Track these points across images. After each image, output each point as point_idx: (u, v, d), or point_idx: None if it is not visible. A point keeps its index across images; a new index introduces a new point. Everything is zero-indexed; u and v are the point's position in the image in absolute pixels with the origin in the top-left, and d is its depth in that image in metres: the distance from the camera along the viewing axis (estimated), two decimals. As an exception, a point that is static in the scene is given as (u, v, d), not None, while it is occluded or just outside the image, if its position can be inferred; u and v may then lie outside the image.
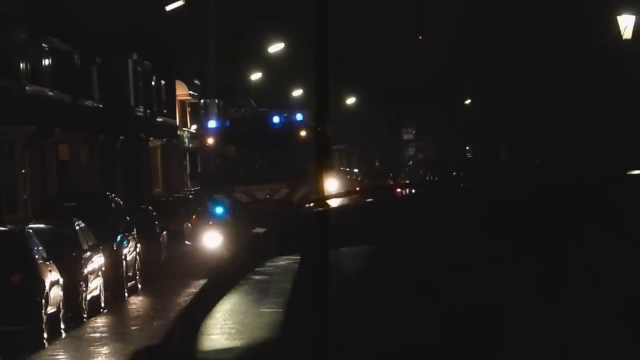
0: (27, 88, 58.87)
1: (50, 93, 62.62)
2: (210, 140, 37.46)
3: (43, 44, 62.47)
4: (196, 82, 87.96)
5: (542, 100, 68.15)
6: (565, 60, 65.52)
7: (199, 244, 39.18)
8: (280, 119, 37.70)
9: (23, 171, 58.37)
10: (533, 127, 69.41)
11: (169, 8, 67.61)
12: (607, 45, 56.44)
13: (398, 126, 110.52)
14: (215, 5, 71.79)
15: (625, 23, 52.30)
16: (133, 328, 34.59)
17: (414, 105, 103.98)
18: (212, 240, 36.90)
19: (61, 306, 34.42)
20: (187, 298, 35.47)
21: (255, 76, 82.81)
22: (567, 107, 64.44)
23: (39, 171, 60.74)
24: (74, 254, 37.96)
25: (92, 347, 31.49)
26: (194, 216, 44.19)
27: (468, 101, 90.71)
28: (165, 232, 52.05)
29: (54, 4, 60.43)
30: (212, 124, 39.23)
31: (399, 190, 75.63)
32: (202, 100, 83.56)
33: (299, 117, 38.12)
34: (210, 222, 37.37)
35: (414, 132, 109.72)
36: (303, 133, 36.92)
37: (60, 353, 31.50)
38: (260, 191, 36.92)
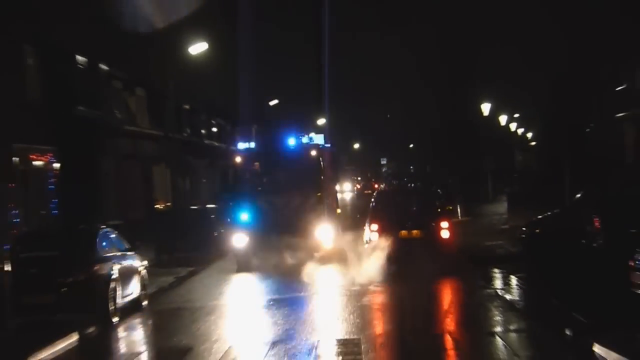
0: (205, 142, 58.31)
1: (217, 144, 61.81)
2: (239, 159, 28.82)
3: (202, 118, 61.84)
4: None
5: (444, 147, 67.34)
6: (455, 129, 64.59)
7: (229, 243, 29.30)
8: (297, 141, 28.71)
9: (204, 180, 58.05)
10: (441, 159, 68.57)
11: (271, 103, 66.13)
12: (476, 119, 55.26)
13: (379, 156, 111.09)
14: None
15: (485, 107, 51.50)
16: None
17: (387, 148, 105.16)
18: (239, 239, 27.85)
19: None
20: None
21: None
22: (456, 152, 63.62)
23: (212, 179, 60.19)
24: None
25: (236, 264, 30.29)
26: (228, 219, 32.43)
27: (411, 145, 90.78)
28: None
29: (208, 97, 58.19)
30: (240, 145, 29.22)
31: (376, 186, 73.85)
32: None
33: (312, 140, 28.90)
34: (238, 225, 28.20)
35: (386, 160, 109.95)
36: (314, 153, 28.29)
37: (222, 265, 30.17)
38: (278, 200, 27.85)
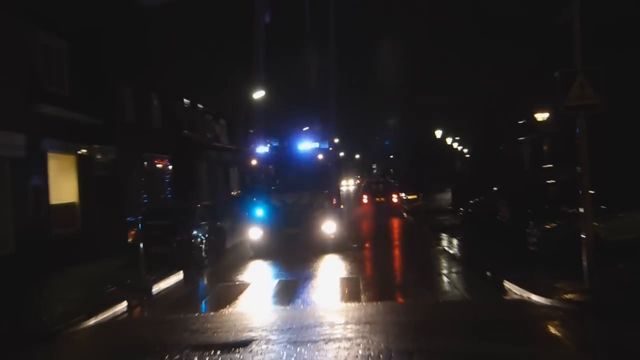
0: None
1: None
2: (254, 162, 21.65)
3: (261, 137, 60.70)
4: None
5: (412, 162, 66.35)
6: (418, 146, 63.83)
7: (246, 236, 21.79)
8: (307, 147, 21.77)
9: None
10: (415, 167, 67.50)
11: (304, 129, 63.72)
12: (430, 141, 54.80)
13: (372, 163, 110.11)
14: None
15: (438, 133, 51.15)
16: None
17: (377, 158, 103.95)
18: (255, 233, 20.85)
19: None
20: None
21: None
22: (422, 168, 62.83)
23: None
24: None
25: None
26: (246, 215, 23.22)
27: (392, 156, 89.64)
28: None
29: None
30: (257, 149, 21.84)
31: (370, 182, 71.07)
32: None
33: (320, 146, 21.97)
34: (254, 220, 20.98)
35: (376, 165, 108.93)
36: (321, 157, 21.48)
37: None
38: (289, 198, 20.81)
